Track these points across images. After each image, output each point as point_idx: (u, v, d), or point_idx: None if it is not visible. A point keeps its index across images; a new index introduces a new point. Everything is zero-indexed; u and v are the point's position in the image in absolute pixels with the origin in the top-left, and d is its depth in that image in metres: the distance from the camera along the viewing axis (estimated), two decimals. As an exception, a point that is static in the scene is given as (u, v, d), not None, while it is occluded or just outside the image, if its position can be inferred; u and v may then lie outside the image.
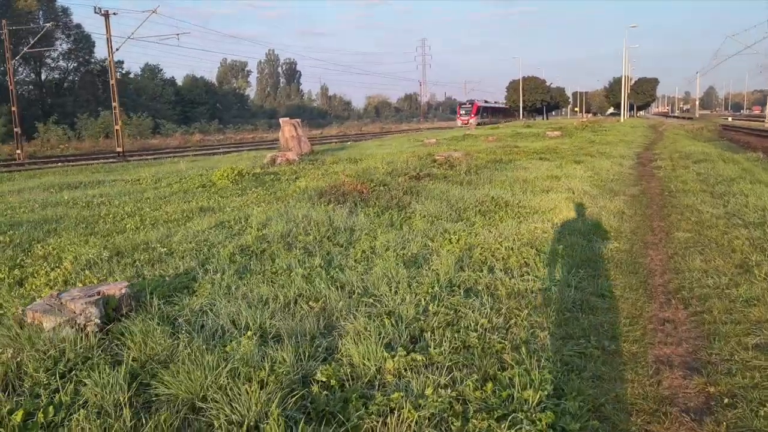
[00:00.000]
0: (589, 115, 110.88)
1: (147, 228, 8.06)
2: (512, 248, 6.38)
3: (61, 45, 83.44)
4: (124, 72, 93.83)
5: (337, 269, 5.51)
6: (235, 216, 8.31)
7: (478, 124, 69.59)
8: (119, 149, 31.25)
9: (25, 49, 32.49)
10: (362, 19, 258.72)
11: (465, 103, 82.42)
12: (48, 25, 33.69)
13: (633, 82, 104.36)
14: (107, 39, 29.81)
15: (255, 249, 6.29)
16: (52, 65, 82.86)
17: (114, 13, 30.05)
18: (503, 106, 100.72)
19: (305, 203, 9.11)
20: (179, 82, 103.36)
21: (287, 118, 22.88)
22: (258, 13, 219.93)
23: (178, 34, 29.23)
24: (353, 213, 8.32)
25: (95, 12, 29.91)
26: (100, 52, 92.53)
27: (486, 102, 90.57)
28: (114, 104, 30.73)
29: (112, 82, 30.56)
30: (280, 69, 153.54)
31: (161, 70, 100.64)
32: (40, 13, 78.91)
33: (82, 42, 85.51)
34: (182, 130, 70.92)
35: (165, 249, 6.33)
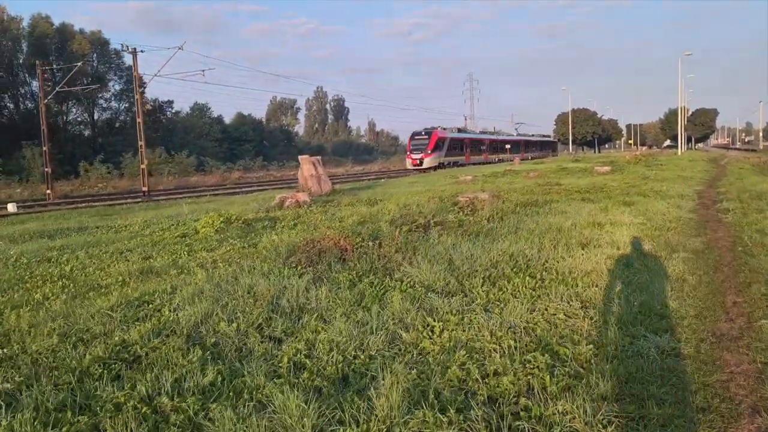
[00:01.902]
0: (644, 147, 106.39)
1: (58, 299, 6.32)
2: (513, 351, 4.27)
3: (113, 86, 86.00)
4: (174, 111, 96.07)
5: (226, 399, 3.54)
6: (166, 286, 6.47)
7: (439, 165, 51.58)
8: (144, 188, 30.43)
9: (57, 88, 32.34)
10: (410, 55, 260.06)
11: (420, 134, 54.00)
12: (79, 64, 33.71)
13: (690, 113, 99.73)
14: (135, 77, 29.34)
15: (138, 349, 4.39)
16: (105, 105, 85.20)
17: (141, 51, 29.58)
18: (521, 137, 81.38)
19: (268, 265, 7.21)
20: (227, 120, 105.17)
21: (306, 156, 21.33)
22: (310, 54, 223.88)
23: (203, 71, 28.75)
24: (318, 282, 6.35)
25: (122, 49, 29.54)
26: (152, 92, 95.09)
27: (461, 131, 64.20)
28: (140, 143, 30.07)
29: (139, 120, 29.98)
30: (328, 106, 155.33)
31: (209, 108, 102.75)
32: (95, 55, 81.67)
33: (133, 83, 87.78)
34: (225, 167, 71.09)
35: (6, 351, 4.49)
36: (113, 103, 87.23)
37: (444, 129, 57.98)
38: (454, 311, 5.38)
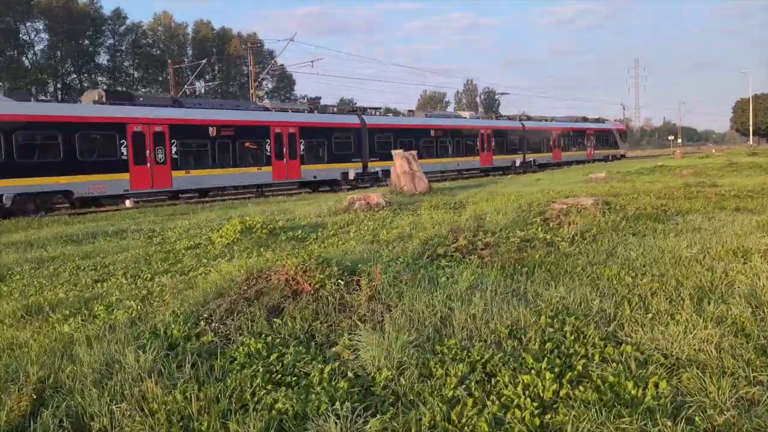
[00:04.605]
0: None
1: None
2: None
3: (266, 84, 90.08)
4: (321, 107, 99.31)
5: None
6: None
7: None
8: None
9: (186, 86, 33.17)
10: (568, 44, 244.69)
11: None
12: (203, 62, 34.34)
13: None
14: (250, 71, 28.88)
15: None
16: (258, 103, 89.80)
17: (258, 46, 29.01)
18: (482, 124, 39.23)
19: (172, 313, 4.91)
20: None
21: (399, 151, 18.89)
22: (465, 48, 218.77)
23: (312, 61, 27.41)
24: (179, 357, 3.91)
25: (243, 47, 29.21)
26: (301, 89, 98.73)
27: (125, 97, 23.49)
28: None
29: (254, 115, 29.45)
30: (478, 99, 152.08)
31: (355, 103, 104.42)
32: (250, 56, 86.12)
33: (284, 81, 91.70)
34: (367, 161, 71.05)
35: None
36: (266, 101, 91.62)
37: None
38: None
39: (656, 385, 3.45)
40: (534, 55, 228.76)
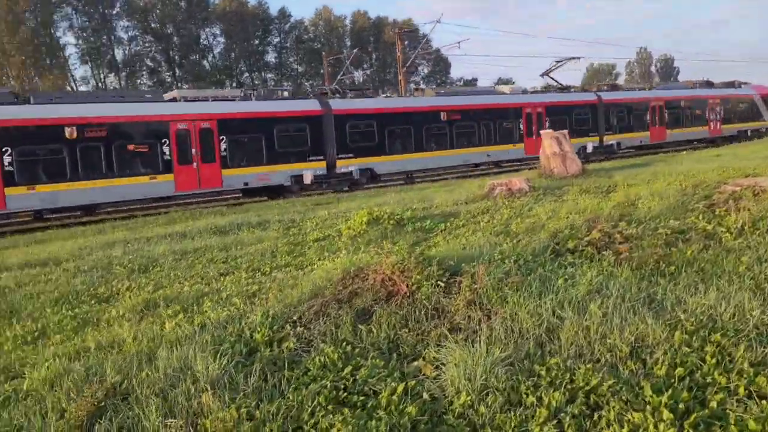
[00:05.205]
0: None
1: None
2: None
3: (422, 70, 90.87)
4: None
5: None
6: (96, 341, 4.60)
7: None
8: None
9: (339, 76, 34.32)
10: (748, 6, 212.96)
11: None
12: (355, 51, 35.02)
13: None
14: (398, 57, 29.06)
15: None
16: (415, 87, 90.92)
17: (408, 30, 29.02)
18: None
19: (263, 313, 4.78)
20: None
21: (549, 131, 17.64)
22: (639, 14, 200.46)
23: (459, 42, 26.57)
24: (246, 368, 3.70)
25: (392, 33, 29.41)
26: (456, 72, 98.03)
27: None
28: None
29: (403, 100, 29.59)
30: (653, 68, 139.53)
31: (514, 83, 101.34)
32: (407, 42, 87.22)
33: (440, 65, 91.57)
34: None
35: None
36: (422, 85, 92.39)
37: None
38: None
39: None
40: (718, 18, 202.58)
